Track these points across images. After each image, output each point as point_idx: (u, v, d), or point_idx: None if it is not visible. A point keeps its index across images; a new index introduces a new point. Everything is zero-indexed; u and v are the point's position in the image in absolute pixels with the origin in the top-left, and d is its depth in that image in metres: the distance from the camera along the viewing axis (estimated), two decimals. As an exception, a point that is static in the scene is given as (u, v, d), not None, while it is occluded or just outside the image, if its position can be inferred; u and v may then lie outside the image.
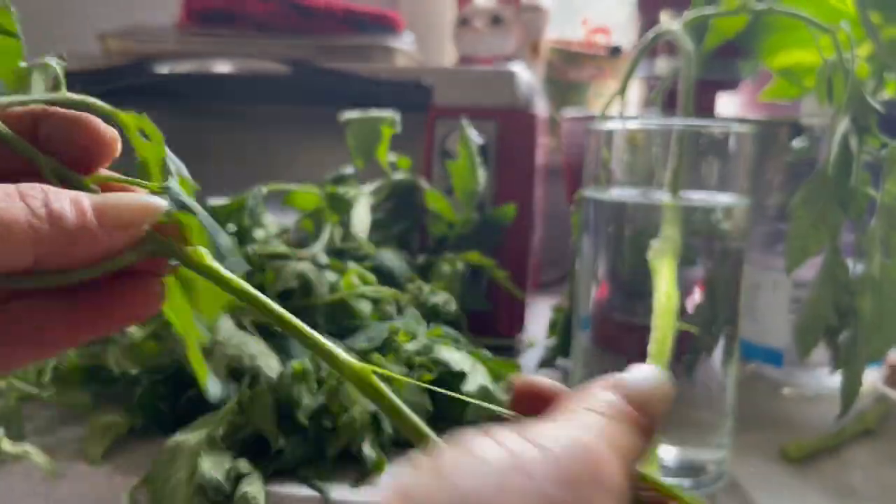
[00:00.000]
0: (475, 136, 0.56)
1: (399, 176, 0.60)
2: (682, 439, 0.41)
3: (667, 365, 0.37)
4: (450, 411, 0.46)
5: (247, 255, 0.48)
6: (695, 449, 0.41)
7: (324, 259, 0.51)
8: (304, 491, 0.39)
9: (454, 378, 0.46)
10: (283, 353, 0.44)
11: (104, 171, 0.19)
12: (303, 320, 0.50)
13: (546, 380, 0.21)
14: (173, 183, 0.19)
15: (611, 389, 0.18)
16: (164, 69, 0.67)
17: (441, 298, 0.53)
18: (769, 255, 0.57)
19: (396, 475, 0.15)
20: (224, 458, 0.39)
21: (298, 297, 0.48)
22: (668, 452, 0.41)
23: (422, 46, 1.02)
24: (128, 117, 0.19)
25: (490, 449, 0.15)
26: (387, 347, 0.46)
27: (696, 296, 0.42)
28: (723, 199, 0.40)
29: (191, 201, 0.18)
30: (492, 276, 0.59)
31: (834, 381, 0.49)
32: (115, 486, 0.40)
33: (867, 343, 0.45)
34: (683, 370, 0.41)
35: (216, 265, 0.18)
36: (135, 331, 0.44)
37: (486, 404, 0.21)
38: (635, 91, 0.83)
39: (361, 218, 0.54)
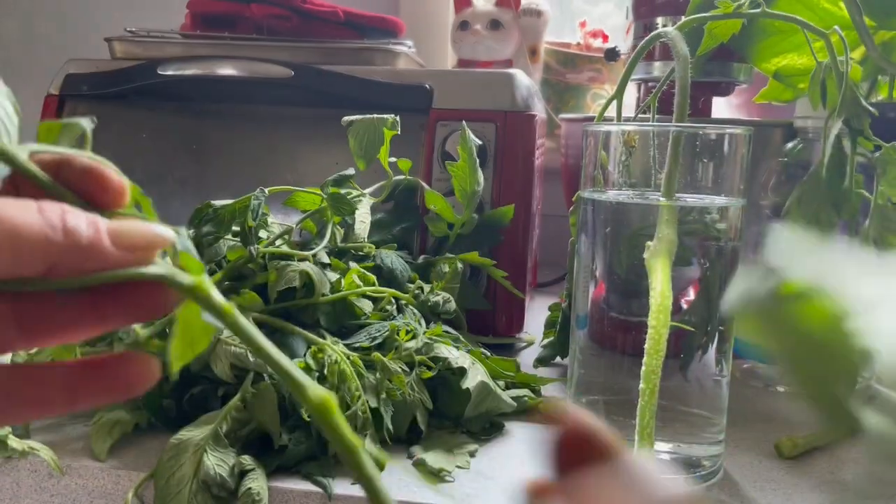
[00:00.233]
0: (475, 138, 0.57)
1: (399, 177, 0.60)
2: (677, 435, 0.42)
3: (662, 362, 0.38)
4: (450, 409, 0.47)
5: (250, 255, 0.49)
6: (690, 445, 0.42)
7: (325, 259, 0.52)
8: (306, 486, 0.40)
9: (454, 375, 0.47)
10: (287, 350, 0.45)
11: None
12: (305, 319, 0.50)
13: (596, 427, 0.17)
14: (182, 231, 0.21)
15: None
16: (169, 72, 0.67)
17: (441, 298, 0.54)
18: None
19: None
20: (228, 454, 0.40)
21: (301, 296, 0.49)
22: (663, 448, 0.41)
23: (422, 50, 1.02)
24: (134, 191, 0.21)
25: None
26: (387, 346, 0.47)
27: (692, 295, 0.43)
28: (718, 199, 0.41)
29: (190, 244, 0.20)
30: (491, 275, 0.60)
31: (828, 379, 0.50)
32: (121, 482, 0.41)
33: (860, 341, 0.46)
34: (679, 368, 0.42)
35: (217, 298, 0.19)
36: (140, 329, 0.45)
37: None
38: (632, 94, 0.84)
39: (363, 219, 0.55)
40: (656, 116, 0.50)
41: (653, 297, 0.38)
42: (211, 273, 0.51)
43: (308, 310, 0.49)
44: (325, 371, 0.43)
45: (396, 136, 0.56)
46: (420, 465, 0.42)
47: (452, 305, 0.54)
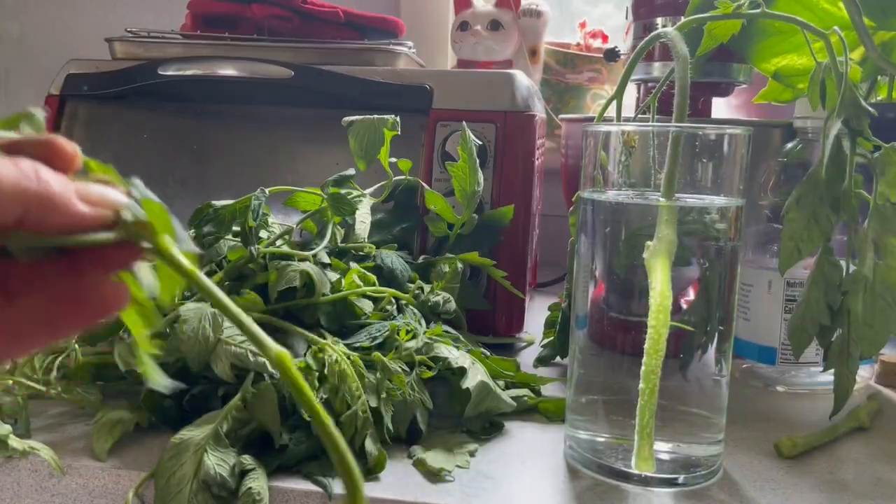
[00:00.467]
0: (475, 139, 0.57)
1: (400, 177, 0.61)
2: (677, 435, 0.42)
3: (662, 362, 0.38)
4: (450, 409, 0.47)
5: (251, 255, 0.49)
6: (689, 445, 0.42)
7: (326, 259, 0.52)
8: (307, 486, 0.40)
9: (454, 375, 0.47)
10: (287, 350, 0.45)
11: None
12: (305, 319, 0.50)
13: None
14: (137, 182, 0.22)
15: None
16: (169, 73, 0.68)
17: (441, 298, 0.54)
18: (763, 255, 0.58)
19: None
20: (228, 453, 0.40)
21: (301, 296, 0.49)
22: (662, 448, 0.41)
23: (422, 50, 1.02)
24: (93, 163, 0.23)
25: None
26: (387, 345, 0.47)
27: (691, 295, 0.43)
28: (717, 200, 0.41)
29: (153, 194, 0.22)
30: (491, 275, 0.60)
31: (827, 378, 0.50)
32: (122, 482, 0.41)
33: (859, 342, 0.46)
34: (678, 368, 0.42)
35: (175, 251, 0.21)
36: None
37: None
38: (632, 94, 0.84)
39: (363, 219, 0.55)
40: (656, 117, 0.50)
41: (652, 297, 0.38)
42: (211, 273, 0.51)
43: (308, 310, 0.49)
44: (326, 371, 0.43)
45: (396, 137, 0.56)
46: (420, 465, 0.42)
47: (452, 305, 0.54)
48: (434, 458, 0.42)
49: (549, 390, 0.53)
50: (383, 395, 0.44)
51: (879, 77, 0.61)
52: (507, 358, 0.52)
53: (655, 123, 0.49)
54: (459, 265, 0.57)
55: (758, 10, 0.47)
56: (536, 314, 0.70)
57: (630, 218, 0.42)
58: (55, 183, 0.20)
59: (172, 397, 0.45)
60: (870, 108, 0.45)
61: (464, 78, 0.66)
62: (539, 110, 0.69)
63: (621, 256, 0.42)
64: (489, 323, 0.63)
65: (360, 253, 0.55)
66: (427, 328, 0.50)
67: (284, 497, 0.40)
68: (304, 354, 0.44)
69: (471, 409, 0.46)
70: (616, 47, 0.82)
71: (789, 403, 0.54)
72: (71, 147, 0.22)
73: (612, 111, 0.50)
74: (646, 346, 0.38)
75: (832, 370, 0.47)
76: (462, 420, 0.47)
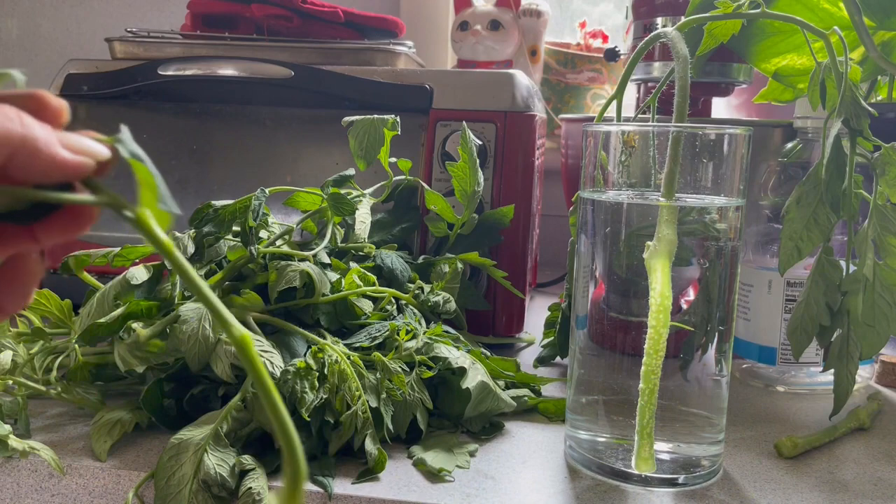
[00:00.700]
0: (475, 139, 0.57)
1: (400, 177, 0.61)
2: (677, 435, 0.42)
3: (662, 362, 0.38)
4: (450, 409, 0.47)
5: (251, 255, 0.49)
6: (689, 445, 0.42)
7: (326, 259, 0.52)
8: (306, 486, 0.40)
9: (454, 375, 0.47)
10: (287, 350, 0.45)
11: None
12: (305, 319, 0.50)
13: None
14: (125, 135, 0.22)
15: None
16: (169, 73, 0.68)
17: (441, 298, 0.54)
18: (763, 255, 0.58)
19: None
20: (228, 454, 0.40)
21: (301, 296, 0.49)
22: (662, 448, 0.41)
23: (422, 50, 1.02)
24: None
25: None
26: (387, 345, 0.47)
27: (691, 295, 0.43)
28: (717, 200, 0.41)
29: (141, 151, 0.21)
30: (491, 275, 0.60)
31: (827, 378, 0.50)
32: (121, 482, 0.41)
33: (859, 342, 0.46)
34: (678, 368, 0.42)
35: (155, 227, 0.21)
36: (141, 329, 0.45)
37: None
38: (632, 94, 0.84)
39: (363, 219, 0.55)
40: (656, 116, 0.50)
41: (653, 297, 0.38)
42: (211, 273, 0.51)
43: (308, 310, 0.49)
44: (326, 371, 0.43)
45: (396, 137, 0.56)
46: (420, 465, 0.42)
47: (452, 305, 0.54)
48: (434, 458, 0.42)
49: (549, 390, 0.53)
50: (383, 395, 0.44)
51: (879, 77, 0.61)
52: (507, 358, 0.52)
53: (655, 123, 0.49)
54: (459, 265, 0.57)
55: (758, 10, 0.47)
56: (536, 314, 0.70)
57: (630, 218, 0.42)
58: (38, 127, 0.20)
59: (172, 397, 0.45)
60: (870, 108, 0.45)
61: (464, 78, 0.66)
62: (539, 110, 0.69)
63: (621, 256, 0.42)
64: (489, 323, 0.63)
65: (360, 253, 0.55)
66: (427, 328, 0.50)
67: (284, 497, 0.40)
68: (304, 354, 0.44)
69: (471, 409, 0.46)
70: (616, 47, 0.82)
71: (789, 403, 0.54)
72: (57, 101, 0.22)
73: (612, 111, 0.50)
74: (646, 346, 0.38)
75: (832, 370, 0.47)
76: (462, 420, 0.47)
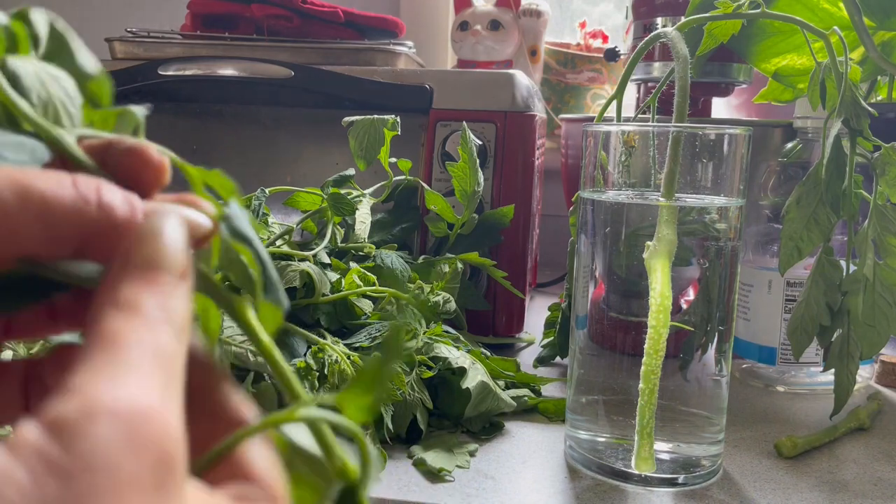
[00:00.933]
0: (475, 139, 0.57)
1: (400, 177, 0.61)
2: (677, 435, 0.42)
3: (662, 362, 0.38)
4: (450, 409, 0.47)
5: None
6: (689, 445, 0.42)
7: (326, 259, 0.52)
8: (307, 486, 0.40)
9: (454, 375, 0.47)
10: (287, 350, 0.45)
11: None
12: (305, 319, 0.50)
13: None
14: (234, 208, 0.19)
15: None
16: (169, 73, 0.68)
17: (441, 298, 0.54)
18: (763, 255, 0.58)
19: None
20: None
21: (301, 296, 0.49)
22: (662, 448, 0.41)
23: (422, 50, 1.03)
24: (194, 171, 0.20)
25: None
26: (388, 346, 0.47)
27: (691, 295, 0.43)
28: (717, 200, 0.41)
29: (250, 230, 0.19)
30: (491, 275, 0.60)
31: (827, 378, 0.50)
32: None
33: (859, 342, 0.46)
34: (678, 368, 0.42)
35: (254, 322, 0.18)
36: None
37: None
38: (632, 94, 0.84)
39: (363, 219, 0.55)
40: (656, 116, 0.50)
41: (653, 297, 0.38)
42: (211, 273, 0.51)
43: (308, 309, 0.49)
44: (326, 371, 0.43)
45: (396, 137, 0.56)
46: (420, 465, 0.42)
47: (452, 305, 0.54)
48: (434, 458, 0.42)
49: (549, 390, 0.53)
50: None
51: (879, 77, 0.61)
52: (507, 358, 0.52)
53: (655, 123, 0.49)
54: (459, 265, 0.57)
55: (758, 10, 0.47)
56: (536, 314, 0.70)
57: (630, 218, 0.42)
58: (119, 205, 0.17)
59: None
60: (870, 108, 0.45)
61: (464, 78, 0.66)
62: (539, 110, 0.69)
63: (621, 256, 0.42)
64: (489, 323, 0.63)
65: (360, 253, 0.55)
66: (427, 328, 0.50)
67: (284, 497, 0.40)
68: (305, 354, 0.44)
69: (471, 409, 0.46)
70: (616, 47, 0.82)
71: (789, 403, 0.54)
72: (159, 158, 0.19)
73: (612, 111, 0.50)
74: (646, 346, 0.38)
75: (832, 370, 0.47)
76: (462, 420, 0.47)
